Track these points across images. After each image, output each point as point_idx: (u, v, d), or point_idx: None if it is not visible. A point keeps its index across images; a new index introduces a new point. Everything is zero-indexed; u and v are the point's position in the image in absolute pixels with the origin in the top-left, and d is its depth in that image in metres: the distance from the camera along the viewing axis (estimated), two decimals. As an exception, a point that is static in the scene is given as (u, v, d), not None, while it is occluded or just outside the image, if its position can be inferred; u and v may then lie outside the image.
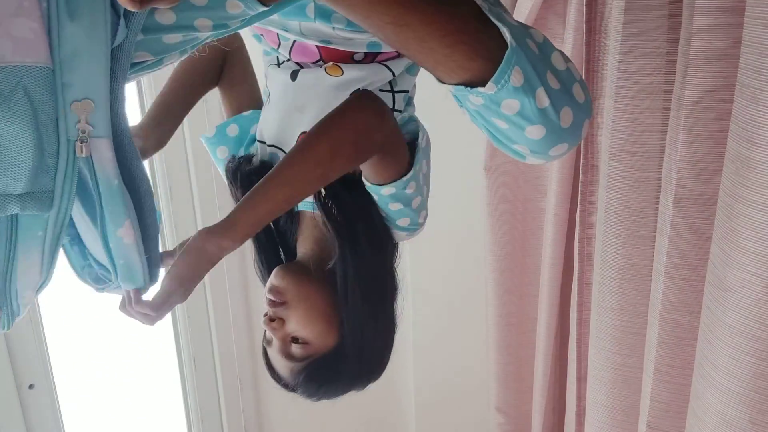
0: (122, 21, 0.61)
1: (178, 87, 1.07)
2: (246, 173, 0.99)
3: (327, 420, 2.03)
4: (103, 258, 0.71)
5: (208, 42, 0.74)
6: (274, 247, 1.04)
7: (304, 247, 1.00)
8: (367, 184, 0.93)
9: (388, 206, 0.95)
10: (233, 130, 1.05)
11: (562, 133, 0.64)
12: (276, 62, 0.97)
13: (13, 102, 0.57)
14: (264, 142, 1.01)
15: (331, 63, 0.91)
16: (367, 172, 0.92)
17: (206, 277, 2.04)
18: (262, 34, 0.95)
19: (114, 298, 0.81)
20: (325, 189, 0.92)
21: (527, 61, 0.60)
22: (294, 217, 1.01)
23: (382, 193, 0.93)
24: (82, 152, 0.61)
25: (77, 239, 0.75)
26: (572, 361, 1.55)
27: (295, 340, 0.94)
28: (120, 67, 0.62)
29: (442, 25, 0.60)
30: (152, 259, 0.73)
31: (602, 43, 1.27)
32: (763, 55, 0.84)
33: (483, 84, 0.61)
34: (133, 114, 1.39)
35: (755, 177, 0.87)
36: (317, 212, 0.97)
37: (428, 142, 0.98)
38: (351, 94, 0.89)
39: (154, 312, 0.77)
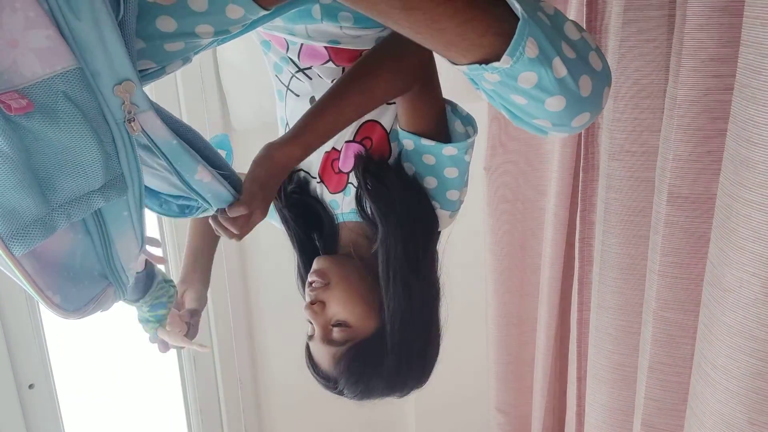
0: None
1: (200, 226, 1.20)
2: (289, 192, 1.05)
3: (327, 419, 2.03)
4: (179, 194, 0.78)
5: (211, 47, 0.74)
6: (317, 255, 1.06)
7: (344, 244, 1.01)
8: (431, 144, 0.91)
9: (444, 172, 0.94)
10: None
11: (583, 102, 0.64)
12: (293, 89, 0.98)
13: (60, 112, 0.58)
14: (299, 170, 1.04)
15: None
16: (413, 111, 0.91)
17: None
18: (269, 40, 0.95)
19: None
20: (370, 169, 0.92)
21: (540, 31, 0.60)
22: (335, 228, 1.02)
23: (443, 153, 0.92)
24: (134, 130, 0.63)
25: (147, 192, 0.80)
26: (572, 360, 1.55)
27: (336, 324, 0.95)
28: (129, 41, 0.63)
29: (451, 4, 0.59)
30: (231, 180, 0.79)
31: (603, 42, 1.27)
32: (763, 55, 0.84)
33: (497, 60, 0.61)
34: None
35: (754, 177, 0.87)
36: (349, 221, 0.99)
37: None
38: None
39: (246, 210, 0.80)
